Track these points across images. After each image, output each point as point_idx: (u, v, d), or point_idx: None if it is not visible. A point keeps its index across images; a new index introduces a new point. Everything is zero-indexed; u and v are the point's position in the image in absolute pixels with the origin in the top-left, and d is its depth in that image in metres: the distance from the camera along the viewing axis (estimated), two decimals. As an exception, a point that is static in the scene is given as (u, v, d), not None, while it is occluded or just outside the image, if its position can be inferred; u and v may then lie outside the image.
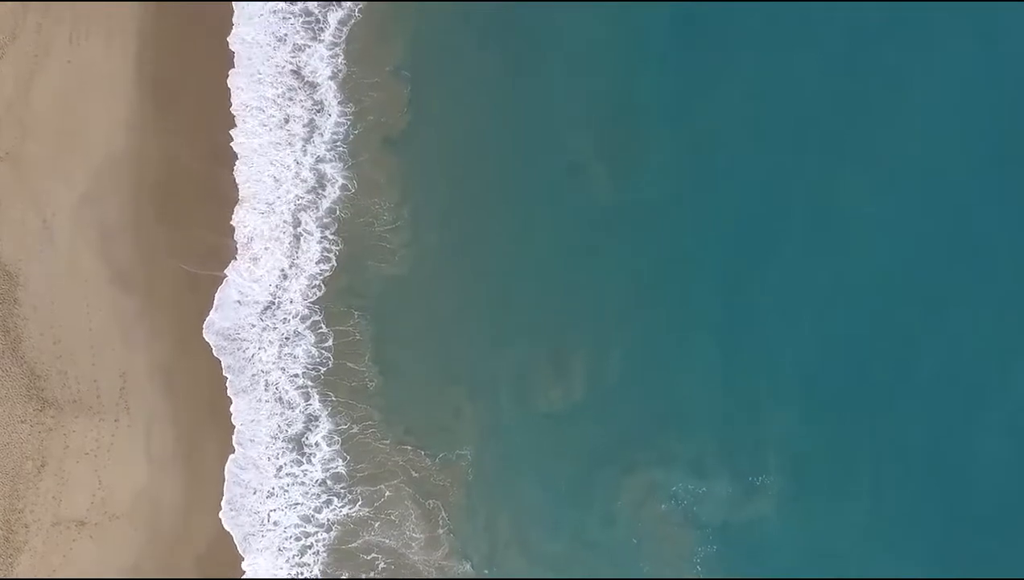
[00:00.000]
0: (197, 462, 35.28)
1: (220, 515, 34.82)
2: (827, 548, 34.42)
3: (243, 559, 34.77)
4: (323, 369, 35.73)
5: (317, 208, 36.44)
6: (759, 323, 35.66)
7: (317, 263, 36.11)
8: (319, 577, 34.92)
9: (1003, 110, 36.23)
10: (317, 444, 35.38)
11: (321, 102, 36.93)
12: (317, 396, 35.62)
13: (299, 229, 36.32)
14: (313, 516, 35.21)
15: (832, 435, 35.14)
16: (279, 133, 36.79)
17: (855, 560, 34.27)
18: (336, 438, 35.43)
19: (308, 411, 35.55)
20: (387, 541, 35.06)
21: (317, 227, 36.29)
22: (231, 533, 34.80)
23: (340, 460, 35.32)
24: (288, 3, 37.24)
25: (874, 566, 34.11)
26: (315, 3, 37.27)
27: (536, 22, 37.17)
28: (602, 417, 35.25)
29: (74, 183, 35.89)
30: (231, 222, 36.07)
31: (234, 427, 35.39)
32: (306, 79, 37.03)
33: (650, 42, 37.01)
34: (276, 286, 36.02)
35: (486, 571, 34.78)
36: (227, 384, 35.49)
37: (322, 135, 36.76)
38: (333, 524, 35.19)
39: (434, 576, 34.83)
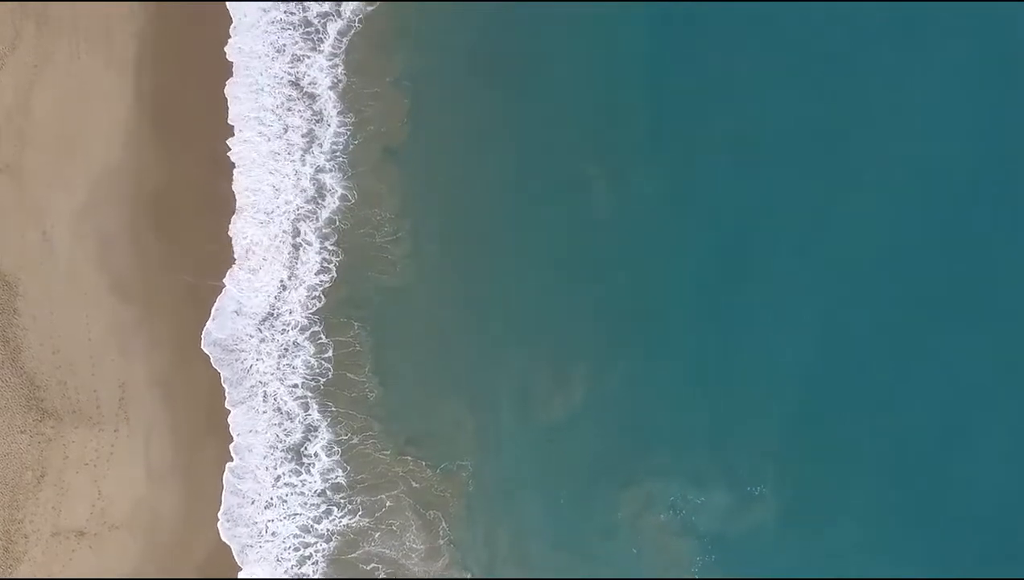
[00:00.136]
0: (196, 472, 35.29)
1: (218, 526, 34.83)
2: (826, 556, 34.42)
3: (241, 569, 34.75)
4: (323, 380, 35.74)
5: (316, 218, 36.44)
6: (757, 333, 35.71)
7: (316, 274, 36.09)
8: (321, 578, 34.91)
9: (1002, 114, 36.33)
10: (316, 454, 35.40)
11: (320, 112, 36.94)
12: (316, 406, 35.63)
13: (298, 239, 36.32)
14: (312, 526, 35.22)
15: (830, 444, 35.23)
16: (278, 143, 36.76)
17: (853, 568, 34.33)
18: (336, 448, 35.44)
19: (307, 421, 35.58)
20: (387, 551, 35.10)
21: (316, 238, 36.29)
22: (228, 544, 34.76)
23: (340, 470, 35.33)
24: (286, 14, 37.18)
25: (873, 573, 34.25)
26: (314, 14, 37.20)
27: (536, 33, 37.20)
28: (602, 428, 35.32)
29: (74, 193, 35.92)
30: (228, 232, 36.02)
31: (232, 437, 35.40)
32: (305, 89, 37.02)
33: (651, 55, 37.12)
34: (275, 297, 36.00)
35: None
36: (225, 395, 35.45)
37: (321, 145, 36.76)
38: (333, 534, 35.20)
39: (433, 578, 34.89)
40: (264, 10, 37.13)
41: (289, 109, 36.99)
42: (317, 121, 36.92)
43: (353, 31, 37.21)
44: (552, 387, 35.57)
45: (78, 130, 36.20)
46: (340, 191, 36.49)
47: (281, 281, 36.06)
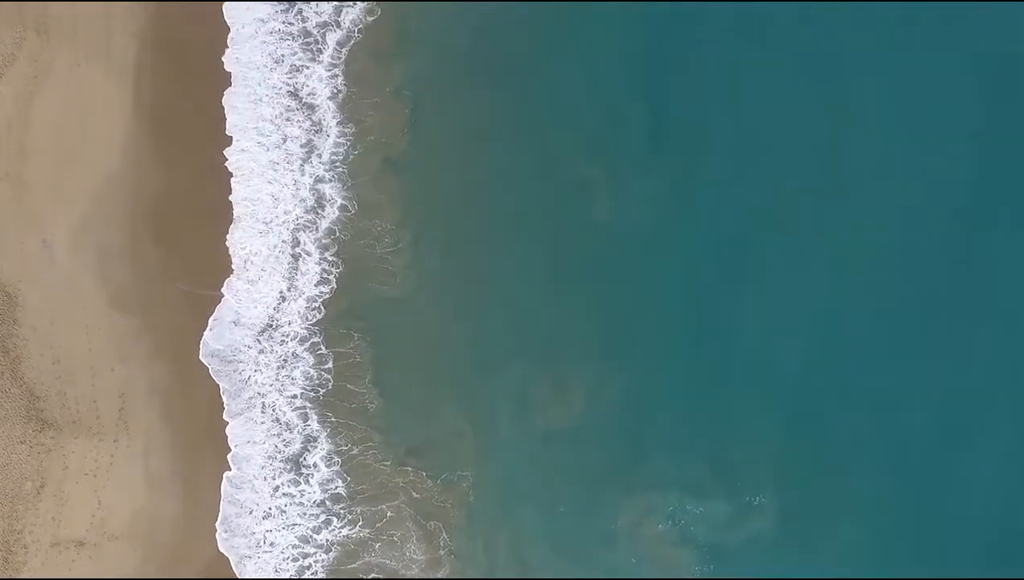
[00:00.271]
0: (196, 482, 35.30)
1: (216, 536, 34.86)
2: (824, 567, 34.51)
3: (239, 580, 34.93)
4: (322, 391, 35.72)
5: (316, 229, 36.42)
6: (756, 340, 35.71)
7: (316, 285, 36.04)
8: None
9: (1002, 117, 36.29)
10: (315, 465, 35.38)
11: (319, 123, 36.92)
12: (316, 417, 35.61)
13: (297, 249, 36.30)
14: (312, 537, 35.23)
15: (829, 454, 35.24)
16: (276, 153, 36.68)
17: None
18: (336, 459, 35.43)
19: (306, 432, 35.57)
20: (388, 562, 35.11)
21: (316, 248, 36.27)
22: (226, 554, 34.76)
23: (340, 481, 35.33)
24: (285, 24, 37.17)
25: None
26: (313, 24, 37.19)
27: (538, 44, 37.23)
28: (601, 437, 35.34)
29: (74, 204, 35.97)
30: (226, 242, 35.94)
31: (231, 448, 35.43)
32: (304, 100, 36.97)
33: (649, 61, 37.07)
34: (274, 308, 35.97)
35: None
36: (224, 405, 35.42)
37: (320, 156, 36.73)
38: (332, 544, 35.19)
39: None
40: (262, 20, 37.07)
41: (288, 119, 36.96)
42: (316, 131, 36.92)
43: (353, 41, 37.14)
44: (552, 397, 35.55)
45: (78, 140, 36.24)
46: (340, 201, 36.47)
47: (280, 292, 36.04)
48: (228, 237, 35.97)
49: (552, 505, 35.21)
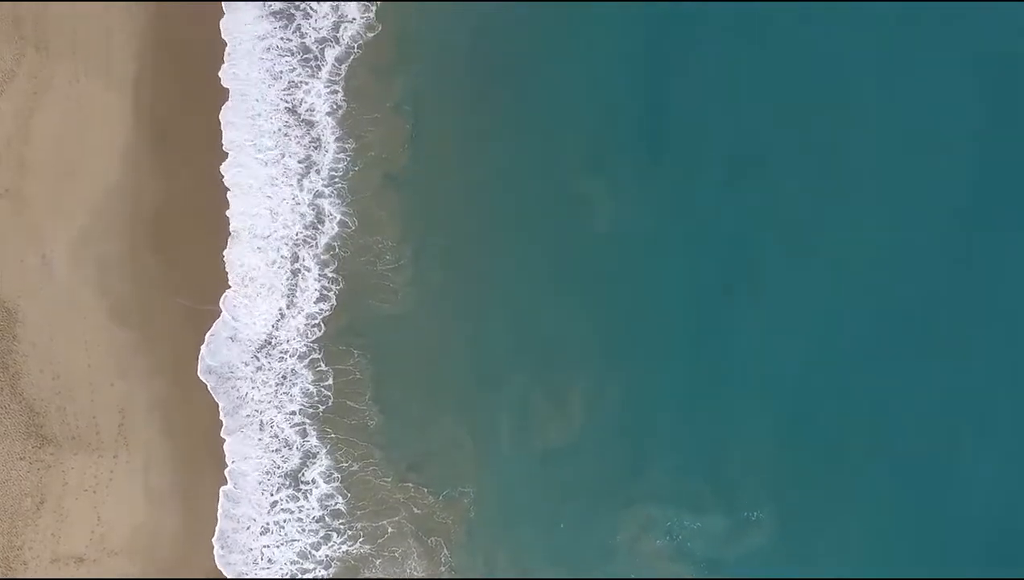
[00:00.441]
0: (195, 497, 35.30)
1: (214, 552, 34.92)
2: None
3: (240, 597, 34.94)
4: (322, 408, 35.72)
5: (315, 245, 36.41)
6: (756, 354, 35.81)
7: (316, 302, 36.05)
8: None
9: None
10: (314, 481, 35.39)
11: (318, 138, 36.90)
12: (315, 434, 35.59)
13: (297, 265, 36.29)
14: (311, 553, 35.26)
15: (827, 468, 35.38)
16: (275, 169, 36.64)
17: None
18: (335, 475, 35.42)
19: (305, 448, 35.55)
20: (389, 578, 35.16)
21: (315, 264, 36.26)
22: (223, 571, 34.74)
23: (340, 497, 35.33)
24: (283, 40, 37.17)
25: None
26: (312, 40, 37.20)
27: (538, 58, 37.30)
28: (600, 452, 35.47)
29: (73, 218, 35.96)
30: (224, 256, 35.89)
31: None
32: (302, 116, 36.95)
33: (649, 69, 37.13)
34: (273, 325, 35.94)
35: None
36: (222, 419, 35.39)
37: (319, 171, 36.71)
38: (332, 561, 35.24)
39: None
40: (260, 37, 37.04)
41: (286, 135, 36.89)
42: (315, 147, 36.89)
43: (352, 57, 37.16)
44: (552, 413, 35.64)
45: (78, 154, 36.25)
46: (339, 217, 36.43)
47: (280, 309, 36.01)
48: (226, 252, 35.90)
49: (552, 521, 35.33)
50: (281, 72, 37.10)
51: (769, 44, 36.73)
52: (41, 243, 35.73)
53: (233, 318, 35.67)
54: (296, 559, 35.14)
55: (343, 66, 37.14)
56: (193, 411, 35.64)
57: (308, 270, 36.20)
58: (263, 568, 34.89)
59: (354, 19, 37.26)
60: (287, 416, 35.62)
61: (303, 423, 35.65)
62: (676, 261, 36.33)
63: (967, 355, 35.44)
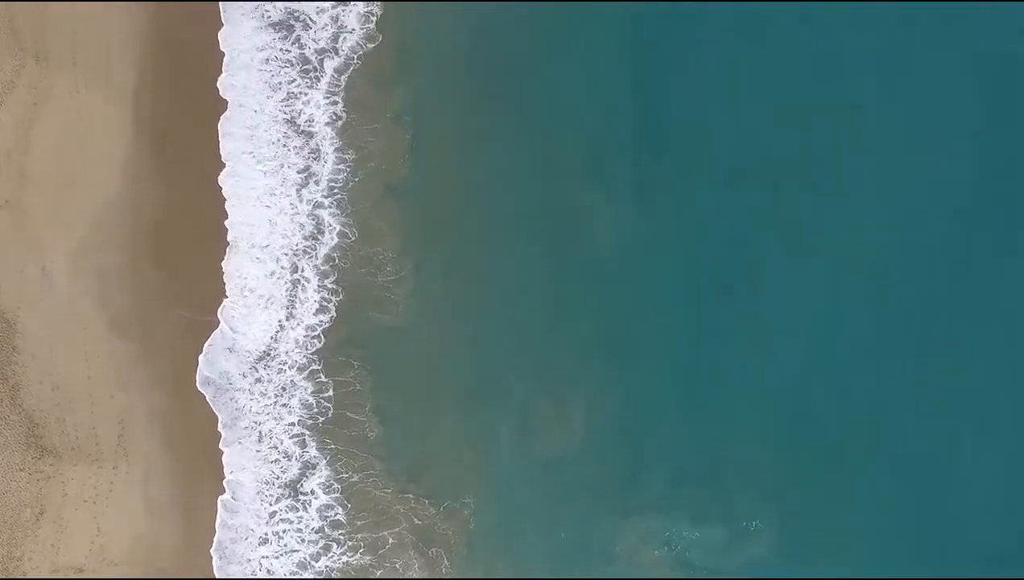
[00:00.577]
0: (195, 508, 35.36)
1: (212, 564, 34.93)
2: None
3: (240, 608, 34.95)
4: (322, 419, 35.75)
5: (315, 256, 36.42)
6: (755, 362, 35.84)
7: (316, 313, 36.04)
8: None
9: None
10: (313, 491, 35.41)
11: (318, 149, 36.85)
12: (315, 445, 35.63)
13: (296, 276, 36.29)
14: (310, 563, 35.28)
15: (826, 478, 35.46)
16: (273, 179, 36.58)
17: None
18: (335, 486, 35.46)
19: (304, 459, 35.58)
20: (389, 580, 35.32)
21: (315, 276, 36.26)
22: (219, 581, 34.80)
23: (340, 508, 35.37)
24: (282, 52, 37.15)
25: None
26: (311, 51, 37.22)
27: (539, 67, 37.21)
28: (600, 463, 35.54)
29: (73, 229, 35.92)
30: (222, 267, 35.85)
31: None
32: (301, 127, 36.88)
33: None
34: (272, 336, 35.94)
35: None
36: (220, 430, 35.43)
37: (318, 182, 36.65)
38: (332, 571, 35.28)
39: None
40: (259, 48, 36.97)
41: (285, 146, 36.81)
42: (314, 158, 36.85)
43: (352, 68, 37.09)
44: (552, 426, 35.71)
45: (78, 165, 36.22)
46: (339, 228, 36.36)
47: (279, 321, 36.01)
48: (224, 263, 35.85)
49: (552, 531, 35.41)
50: (280, 83, 37.03)
51: (769, 44, 36.68)
52: (41, 254, 35.73)
53: (231, 329, 35.67)
54: (295, 570, 35.19)
55: (343, 77, 37.09)
56: (193, 422, 35.68)
57: (308, 281, 36.19)
58: (261, 578, 34.87)
59: (354, 30, 37.21)
60: (286, 427, 35.63)
61: (302, 434, 35.68)
62: (676, 261, 36.32)
63: (967, 355, 35.50)
